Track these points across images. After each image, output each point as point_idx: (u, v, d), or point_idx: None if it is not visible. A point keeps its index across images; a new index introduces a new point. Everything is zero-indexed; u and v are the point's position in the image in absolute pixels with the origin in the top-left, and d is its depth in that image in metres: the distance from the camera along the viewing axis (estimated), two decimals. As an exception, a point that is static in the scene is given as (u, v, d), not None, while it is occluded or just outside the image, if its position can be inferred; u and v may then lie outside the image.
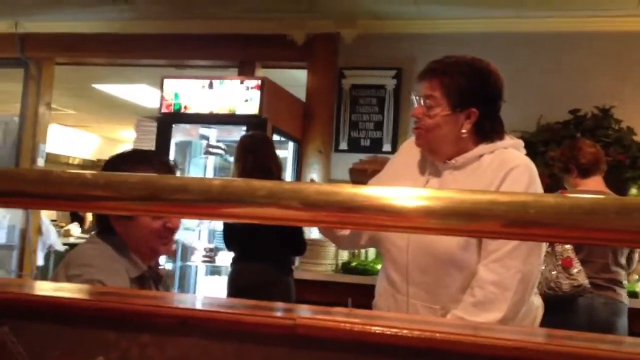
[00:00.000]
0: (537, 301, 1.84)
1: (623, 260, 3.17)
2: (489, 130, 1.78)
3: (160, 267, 1.74)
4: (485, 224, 0.72)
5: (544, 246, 1.81)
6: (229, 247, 3.69)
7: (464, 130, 1.75)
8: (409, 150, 1.92)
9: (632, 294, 3.77)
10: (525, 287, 1.68)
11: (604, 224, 0.67)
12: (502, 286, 1.65)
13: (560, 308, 3.07)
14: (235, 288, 3.51)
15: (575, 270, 3.03)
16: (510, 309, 1.65)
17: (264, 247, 3.45)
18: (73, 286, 1.17)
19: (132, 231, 1.59)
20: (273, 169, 3.51)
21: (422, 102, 1.78)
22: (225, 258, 4.79)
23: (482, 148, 1.77)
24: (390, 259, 1.83)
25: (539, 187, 1.75)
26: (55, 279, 1.56)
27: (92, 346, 0.78)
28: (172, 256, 4.85)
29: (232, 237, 3.62)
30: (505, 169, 1.71)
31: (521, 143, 1.84)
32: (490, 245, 1.67)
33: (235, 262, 3.61)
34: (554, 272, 3.04)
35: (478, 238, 1.67)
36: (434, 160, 1.82)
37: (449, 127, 1.75)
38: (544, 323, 3.04)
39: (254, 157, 3.54)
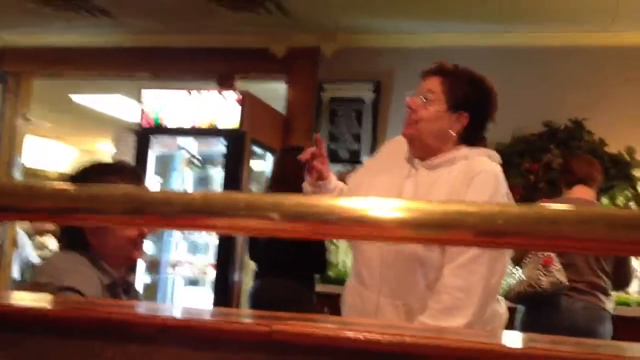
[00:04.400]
0: (501, 308, 1.88)
1: (607, 267, 3.22)
2: (472, 139, 1.87)
3: (129, 275, 1.77)
4: (457, 234, 0.76)
5: (509, 252, 1.85)
6: (254, 260, 3.70)
7: (452, 132, 1.84)
8: (391, 149, 2.01)
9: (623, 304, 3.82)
10: (490, 292, 1.73)
11: (567, 233, 0.70)
12: (468, 291, 1.69)
13: (543, 308, 3.15)
14: (257, 303, 3.51)
15: (555, 269, 3.10)
16: (475, 313, 1.69)
17: (286, 263, 3.44)
18: (55, 297, 1.18)
19: (109, 242, 1.64)
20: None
21: (419, 95, 1.86)
22: (204, 269, 4.79)
23: (459, 152, 1.84)
24: (361, 256, 1.88)
25: (505, 195, 1.81)
26: (27, 290, 1.58)
27: (70, 355, 0.80)
28: (151, 268, 4.83)
29: (256, 251, 3.63)
30: (472, 175, 1.77)
31: (496, 155, 1.91)
32: (454, 247, 1.72)
33: (258, 276, 3.61)
34: (535, 272, 3.12)
35: None
36: (413, 155, 1.88)
37: (440, 123, 1.84)
38: (527, 322, 3.13)
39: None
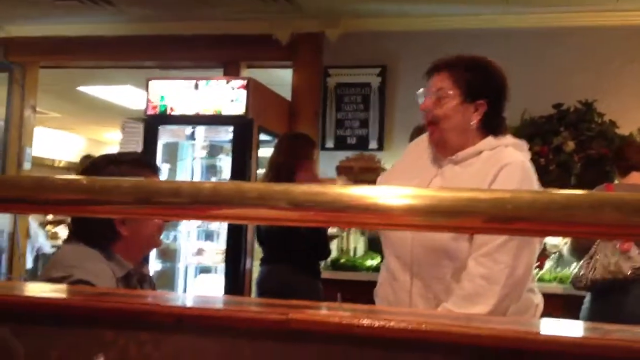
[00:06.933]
0: (536, 298, 1.86)
1: None
2: (495, 125, 1.84)
3: (144, 266, 1.78)
4: (466, 220, 0.76)
5: (537, 243, 1.83)
6: (260, 246, 3.75)
7: (472, 122, 1.81)
8: (414, 151, 1.99)
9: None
10: (515, 282, 1.71)
11: (579, 218, 0.71)
12: (490, 280, 1.69)
13: (613, 296, 3.14)
14: (262, 289, 3.56)
15: (635, 253, 3.11)
16: (498, 303, 1.68)
17: (289, 250, 3.47)
18: (71, 288, 1.20)
19: (141, 230, 1.65)
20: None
21: (430, 95, 1.83)
22: (216, 256, 4.82)
23: (484, 144, 1.82)
24: (391, 249, 1.89)
25: (533, 186, 1.79)
26: (42, 281, 1.58)
27: (90, 345, 0.81)
28: (163, 256, 4.87)
29: (261, 238, 3.68)
30: (499, 166, 1.75)
31: (525, 144, 1.89)
32: (480, 237, 1.71)
33: (262, 263, 3.65)
34: (613, 258, 3.12)
35: None
36: (440, 155, 1.87)
37: (458, 118, 1.81)
38: (595, 310, 3.13)
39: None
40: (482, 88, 1.83)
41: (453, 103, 1.81)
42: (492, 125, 1.84)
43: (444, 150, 1.86)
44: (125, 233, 1.62)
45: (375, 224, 0.97)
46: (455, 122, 1.81)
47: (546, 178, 4.20)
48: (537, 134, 4.47)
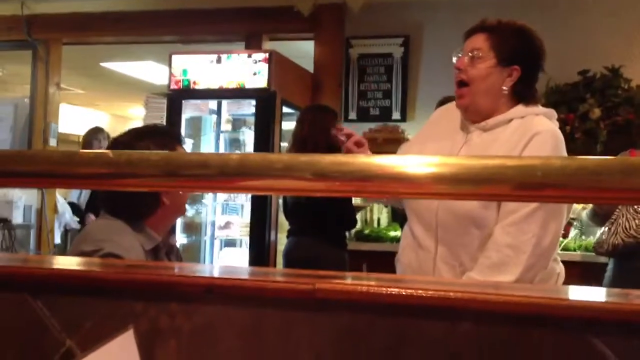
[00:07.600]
0: (558, 267, 1.86)
1: None
2: (526, 94, 1.83)
3: (171, 237, 1.83)
4: (495, 188, 0.75)
5: (565, 212, 1.82)
6: (287, 218, 3.79)
7: (505, 87, 1.80)
8: (441, 117, 1.99)
9: None
10: (542, 251, 1.71)
11: (609, 183, 0.69)
12: (517, 249, 1.68)
13: (637, 258, 3.12)
14: (289, 260, 3.60)
15: None
16: (524, 272, 1.68)
17: (316, 221, 3.50)
18: (102, 260, 1.22)
19: (178, 199, 1.72)
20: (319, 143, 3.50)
21: (466, 55, 1.82)
22: (241, 230, 4.86)
23: (514, 112, 1.81)
24: (416, 215, 1.88)
25: (564, 155, 1.77)
26: (72, 255, 1.62)
27: (122, 316, 0.82)
28: (188, 230, 4.92)
29: (287, 210, 3.71)
30: (529, 135, 1.74)
31: (554, 114, 1.87)
32: (508, 205, 1.71)
33: (289, 235, 3.69)
34: (634, 221, 3.12)
35: None
36: (467, 120, 1.85)
37: (492, 80, 1.80)
38: (617, 276, 3.13)
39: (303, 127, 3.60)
40: (518, 54, 1.82)
41: (487, 64, 1.79)
42: (523, 94, 1.83)
43: (472, 114, 1.84)
44: (168, 202, 1.68)
45: (402, 193, 0.96)
46: (487, 85, 1.80)
47: (572, 146, 4.15)
48: (563, 102, 4.41)
